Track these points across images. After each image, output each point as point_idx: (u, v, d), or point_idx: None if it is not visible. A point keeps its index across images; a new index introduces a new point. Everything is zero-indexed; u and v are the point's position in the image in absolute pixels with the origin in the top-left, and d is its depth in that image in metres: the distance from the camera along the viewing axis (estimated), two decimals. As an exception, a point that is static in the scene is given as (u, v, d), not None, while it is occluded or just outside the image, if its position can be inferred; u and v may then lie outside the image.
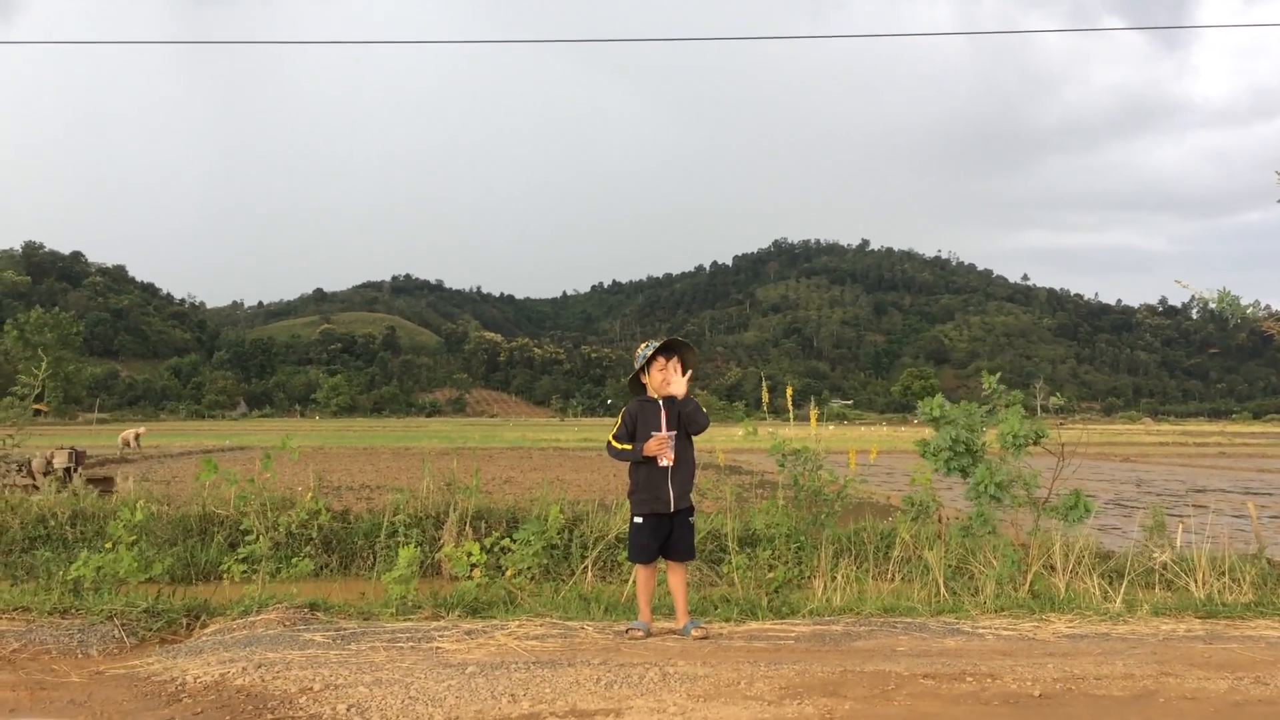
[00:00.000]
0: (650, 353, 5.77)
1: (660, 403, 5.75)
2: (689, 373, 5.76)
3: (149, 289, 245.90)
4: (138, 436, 33.34)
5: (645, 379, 5.84)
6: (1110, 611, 6.39)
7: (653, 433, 5.63)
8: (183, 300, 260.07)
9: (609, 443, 5.79)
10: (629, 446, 5.69)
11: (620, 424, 5.79)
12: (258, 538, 7.07)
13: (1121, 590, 6.87)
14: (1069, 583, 7.15)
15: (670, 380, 5.75)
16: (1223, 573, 7.43)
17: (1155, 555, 8.45)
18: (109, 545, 7.11)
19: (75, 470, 17.01)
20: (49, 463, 16.96)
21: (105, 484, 17.18)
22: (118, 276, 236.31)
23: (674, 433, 5.65)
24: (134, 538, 7.18)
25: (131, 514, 7.18)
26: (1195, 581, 7.36)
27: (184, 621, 6.22)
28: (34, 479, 16.36)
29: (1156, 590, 7.81)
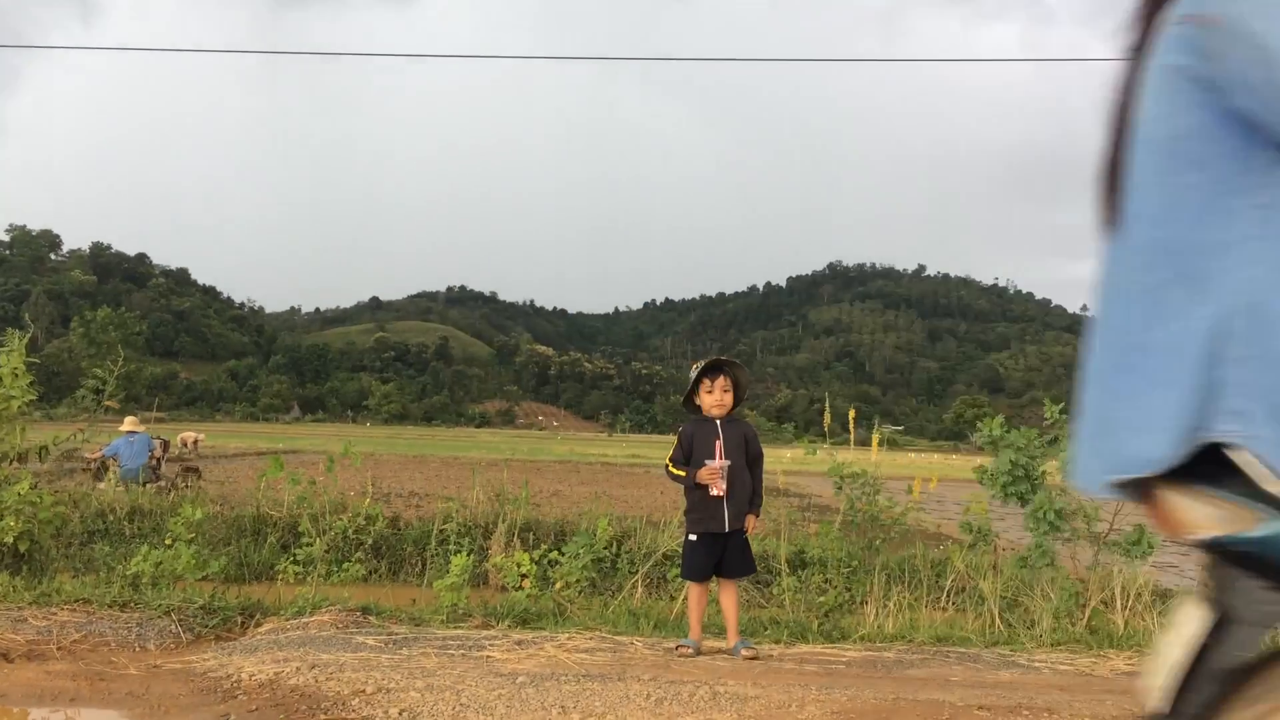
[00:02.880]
0: (696, 374, 5.77)
1: (717, 423, 5.73)
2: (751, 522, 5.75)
3: (210, 292, 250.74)
4: (196, 441, 33.89)
5: (698, 400, 5.83)
6: (1170, 650, 6.24)
7: (706, 461, 5.61)
8: (242, 304, 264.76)
9: (667, 466, 5.80)
10: (683, 473, 5.67)
11: (677, 445, 5.79)
12: (314, 540, 7.16)
13: (1182, 629, 6.70)
14: (1128, 620, 7.00)
15: (725, 403, 5.74)
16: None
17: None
18: (169, 542, 7.23)
19: (163, 461, 18.00)
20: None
21: (194, 475, 18.14)
22: (181, 279, 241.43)
23: (728, 462, 5.61)
24: (192, 536, 7.31)
25: (192, 512, 7.30)
26: (1259, 623, 7.16)
27: (239, 620, 6.30)
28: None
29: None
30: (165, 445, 18.73)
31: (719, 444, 5.66)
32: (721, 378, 5.79)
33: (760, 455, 5.85)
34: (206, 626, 6.06)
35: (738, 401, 5.84)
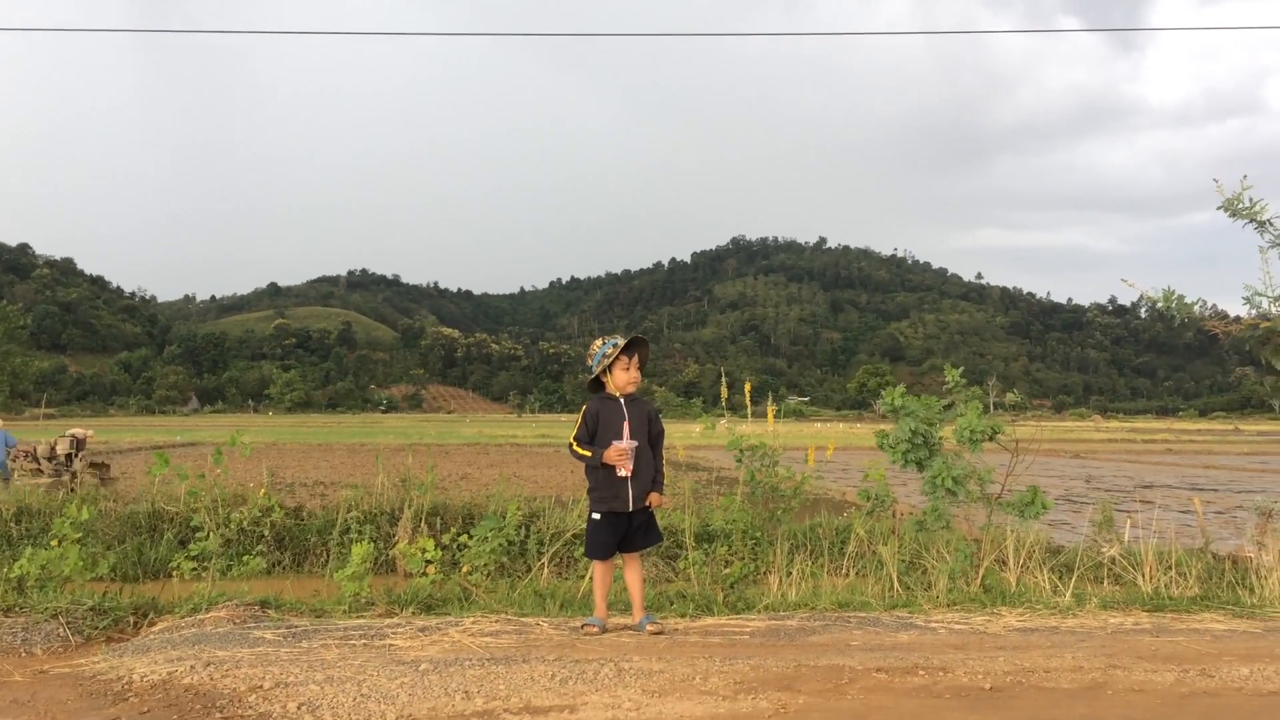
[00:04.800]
0: (611, 351, 5.70)
1: (622, 402, 5.71)
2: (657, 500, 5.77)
3: (98, 282, 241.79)
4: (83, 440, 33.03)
5: (606, 377, 5.79)
6: (1060, 605, 6.48)
7: (613, 441, 5.60)
8: (133, 294, 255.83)
9: (570, 444, 5.75)
10: (589, 453, 5.63)
11: (581, 424, 5.73)
12: (208, 535, 6.97)
13: (1071, 584, 6.96)
14: (1020, 577, 7.24)
15: (637, 381, 5.73)
16: (1169, 567, 7.55)
17: (1104, 550, 8.58)
18: (55, 542, 6.96)
19: (77, 456, 17.98)
20: (53, 449, 17.88)
21: (103, 470, 18.41)
22: (66, 269, 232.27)
23: (635, 443, 5.61)
24: (80, 535, 7.05)
25: (77, 511, 7.04)
26: (1142, 576, 7.48)
27: (131, 620, 6.10)
28: (39, 464, 17.48)
29: (1105, 584, 7.93)
30: (79, 442, 18.35)
31: (626, 425, 5.64)
32: (635, 355, 5.77)
33: (662, 433, 5.87)
34: (97, 628, 5.85)
35: (641, 377, 5.85)
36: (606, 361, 5.69)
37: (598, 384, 5.82)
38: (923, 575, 7.38)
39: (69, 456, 17.80)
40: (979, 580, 7.01)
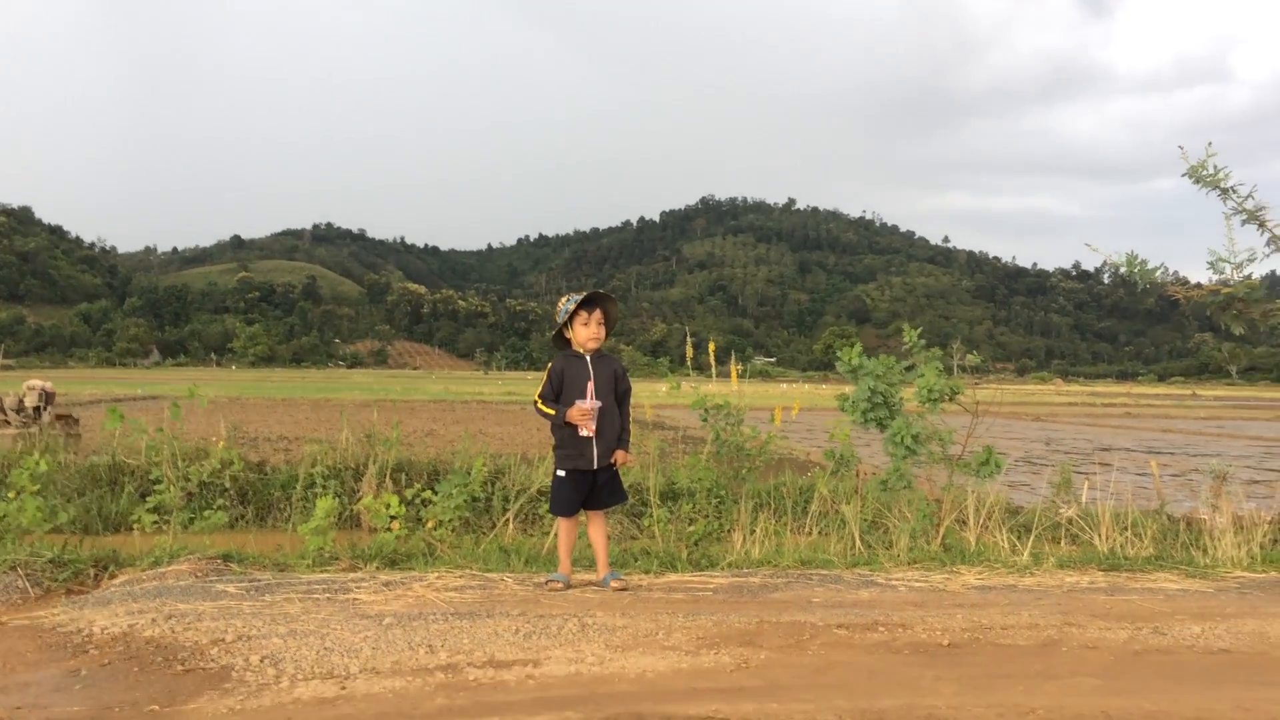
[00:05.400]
0: (572, 307, 5.68)
1: (588, 360, 5.70)
2: (622, 457, 5.73)
3: (57, 231, 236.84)
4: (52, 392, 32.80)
5: (569, 334, 5.77)
6: (1018, 564, 6.58)
7: (577, 400, 5.58)
8: (93, 244, 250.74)
9: (535, 401, 5.74)
10: (553, 411, 5.62)
11: (546, 381, 5.72)
12: (168, 487, 6.91)
13: (1029, 544, 7.07)
14: (979, 536, 7.35)
15: (600, 337, 5.70)
16: (1125, 528, 7.70)
17: (1062, 511, 8.72)
18: (12, 495, 6.88)
19: (45, 408, 17.79)
20: (20, 401, 17.61)
21: (69, 422, 18.22)
22: (23, 218, 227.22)
23: (599, 404, 5.60)
24: (38, 487, 6.97)
25: (35, 463, 6.95)
26: (1099, 536, 7.61)
27: (91, 572, 6.05)
28: (5, 415, 17.27)
29: (1062, 544, 8.07)
30: (48, 395, 18.17)
31: (590, 385, 5.62)
32: (598, 311, 5.73)
33: (628, 391, 5.86)
34: (56, 580, 5.80)
35: (607, 336, 5.82)
36: (566, 317, 5.68)
37: (563, 341, 5.81)
38: (884, 534, 7.47)
39: (37, 409, 17.60)
40: (939, 539, 7.11)
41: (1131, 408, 57.46)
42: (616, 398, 5.75)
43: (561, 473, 5.68)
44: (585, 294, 5.71)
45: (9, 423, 17.05)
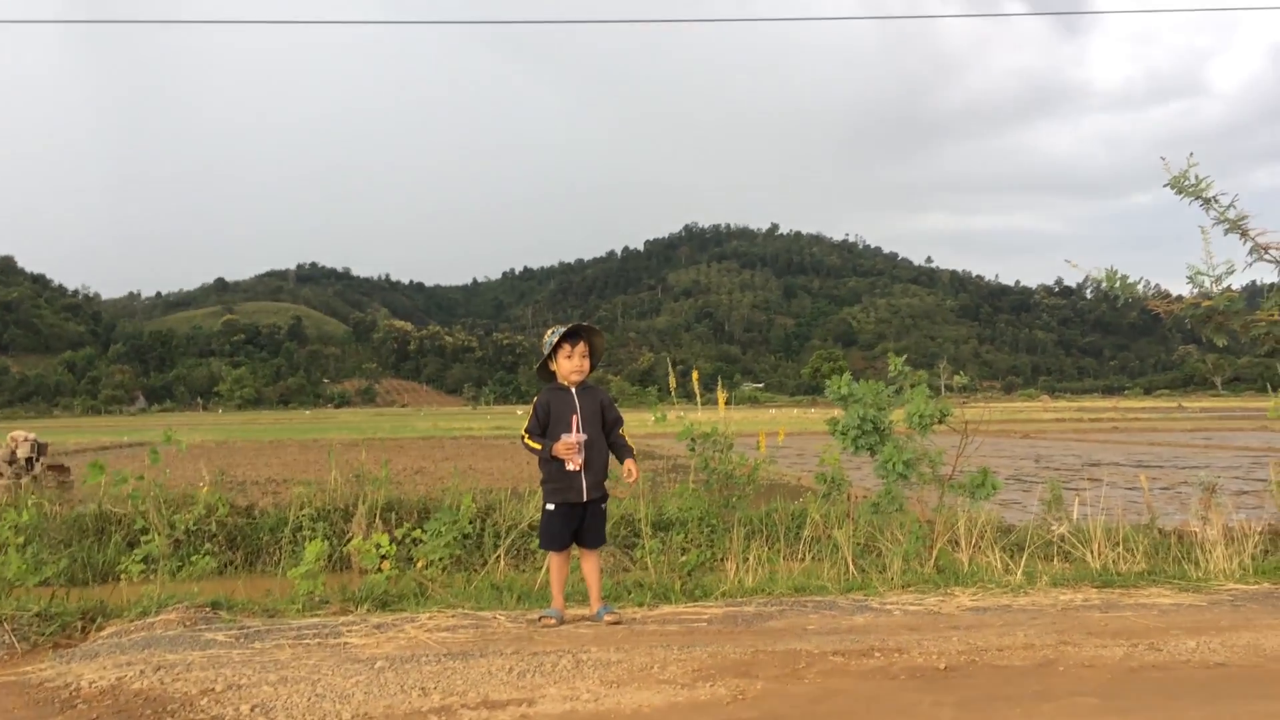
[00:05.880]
0: (555, 340, 5.68)
1: (573, 393, 5.68)
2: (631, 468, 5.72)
3: (40, 280, 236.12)
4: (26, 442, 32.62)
5: (554, 366, 5.76)
6: (1011, 584, 6.57)
7: (563, 434, 5.57)
8: (76, 292, 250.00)
9: (522, 436, 5.73)
10: (540, 446, 5.60)
11: (532, 416, 5.71)
12: (153, 536, 6.85)
13: (1022, 563, 7.06)
14: (972, 557, 7.33)
15: (583, 369, 5.69)
16: (1117, 543, 7.70)
17: (1053, 528, 8.72)
18: (-4, 548, 6.80)
19: (37, 460, 17.60)
20: (13, 452, 17.43)
21: (62, 472, 18.08)
22: (5, 267, 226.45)
23: (584, 436, 5.58)
24: (22, 539, 6.89)
25: (19, 514, 6.88)
26: (1091, 552, 7.61)
27: (79, 625, 5.98)
28: None
29: (1055, 562, 8.06)
30: (40, 446, 18.11)
31: (576, 418, 5.61)
32: (581, 343, 5.72)
33: (618, 420, 5.82)
34: (43, 634, 5.73)
35: (593, 367, 5.81)
36: (550, 350, 5.67)
37: (548, 374, 5.80)
38: (877, 558, 7.45)
39: (29, 460, 17.50)
40: (933, 561, 7.09)
41: (1119, 422, 57.66)
42: (606, 427, 5.73)
43: (551, 506, 5.65)
44: (568, 327, 5.70)
45: (1, 475, 17.00)
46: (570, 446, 5.52)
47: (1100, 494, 10.05)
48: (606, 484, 5.80)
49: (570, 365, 5.66)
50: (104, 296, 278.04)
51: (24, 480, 16.69)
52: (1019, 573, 6.82)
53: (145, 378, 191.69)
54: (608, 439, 5.76)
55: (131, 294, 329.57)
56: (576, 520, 5.64)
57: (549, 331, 5.79)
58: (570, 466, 5.55)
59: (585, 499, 5.59)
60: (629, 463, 5.71)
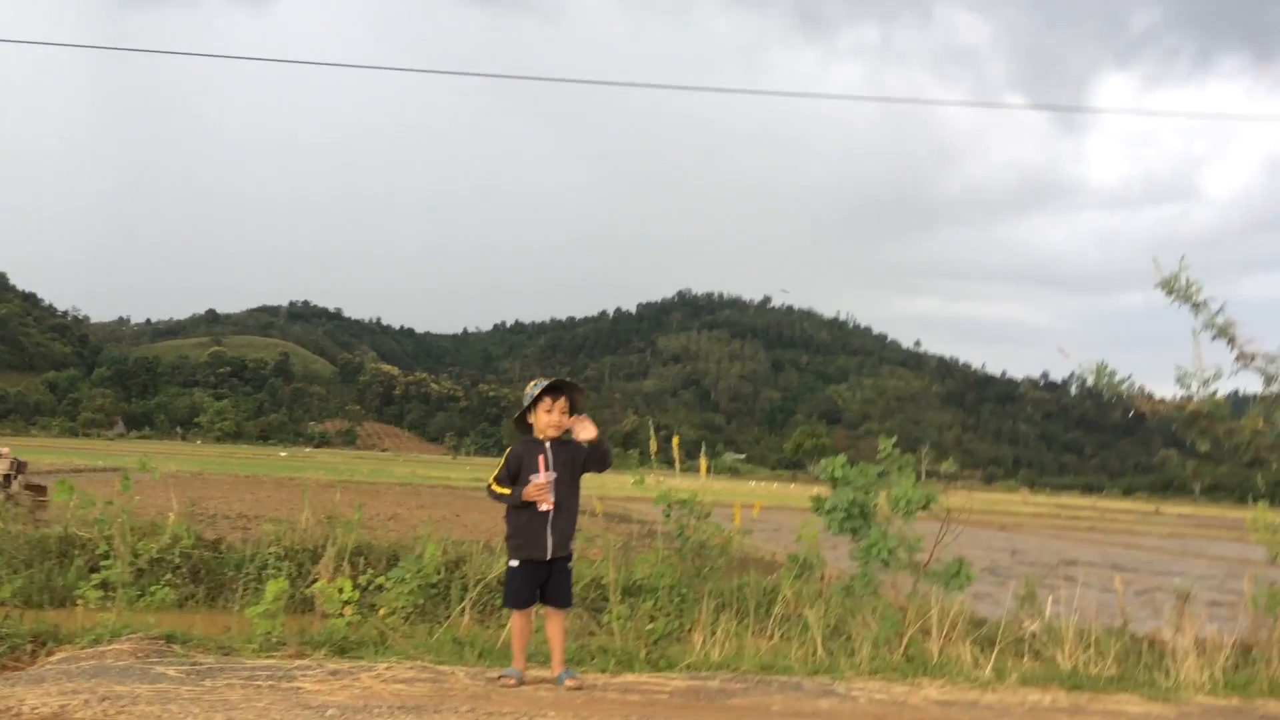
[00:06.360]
0: (537, 393, 5.64)
1: (546, 445, 5.63)
2: (587, 422, 5.60)
3: (30, 299, 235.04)
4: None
5: (532, 419, 5.72)
6: (980, 679, 6.48)
7: (531, 476, 5.51)
8: (65, 312, 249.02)
9: (489, 485, 5.66)
10: (508, 491, 5.55)
11: (503, 465, 5.65)
12: (114, 563, 6.73)
13: (992, 658, 6.97)
14: (943, 648, 7.24)
15: (561, 425, 5.64)
16: (1089, 645, 7.61)
17: (1026, 625, 8.63)
18: (-48, 564, 6.67)
19: (15, 477, 17.63)
20: None
21: (39, 491, 17.78)
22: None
23: (554, 475, 5.52)
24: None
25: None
26: (1062, 653, 7.52)
27: (29, 648, 5.86)
28: None
29: (1026, 659, 7.96)
30: (20, 465, 17.98)
31: (544, 458, 5.55)
32: (561, 399, 5.68)
33: (603, 456, 5.69)
34: (-11, 656, 5.60)
35: None
36: (528, 403, 5.64)
37: (526, 426, 5.76)
38: (847, 641, 7.35)
39: (7, 477, 17.41)
40: (903, 649, 7.00)
41: (1096, 521, 57.60)
42: (576, 470, 5.64)
43: (514, 563, 5.56)
44: (551, 381, 5.67)
45: None
46: (541, 487, 5.45)
47: (1074, 593, 9.97)
48: (577, 544, 5.73)
49: (548, 419, 5.62)
50: (93, 319, 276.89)
51: (0, 498, 16.53)
52: (989, 668, 6.73)
53: (127, 403, 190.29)
54: (592, 462, 5.66)
55: (121, 319, 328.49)
56: (540, 579, 5.54)
57: (531, 384, 5.76)
58: (542, 507, 5.46)
59: (550, 556, 5.50)
60: (584, 421, 5.57)
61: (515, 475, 5.58)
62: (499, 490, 5.59)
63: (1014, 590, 11.19)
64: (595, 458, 5.64)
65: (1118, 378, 7.12)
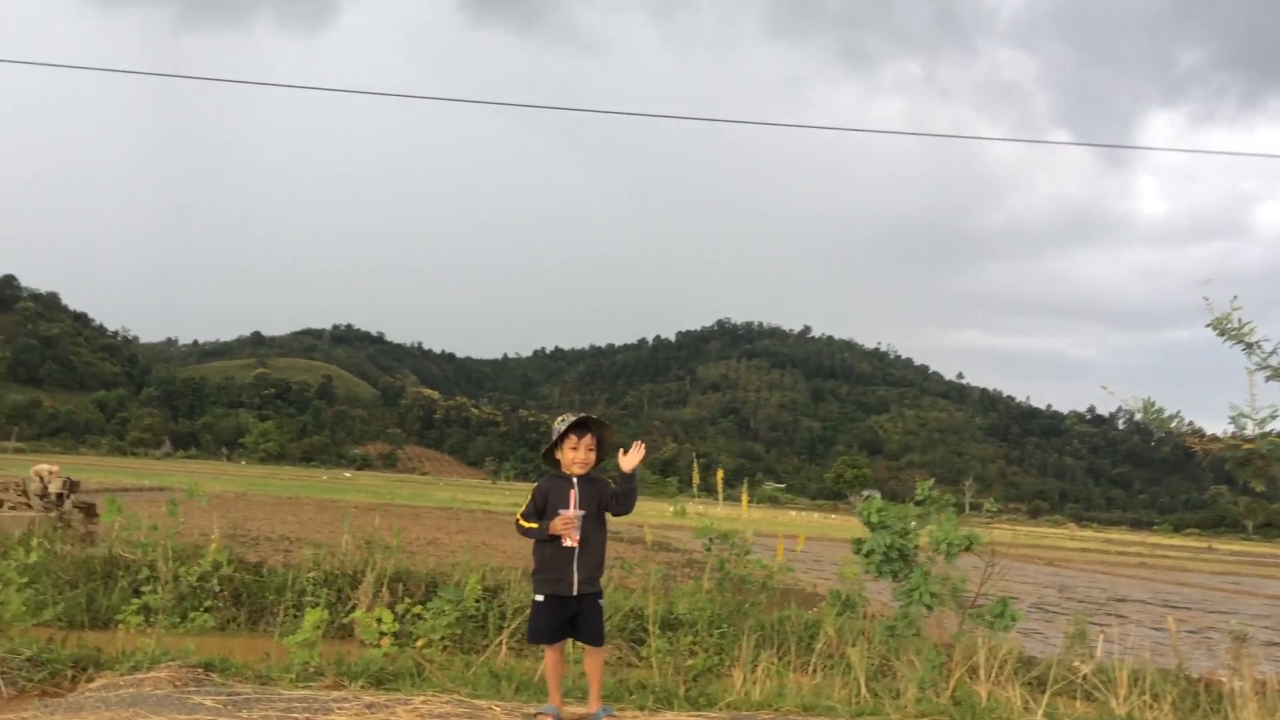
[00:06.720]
0: (563, 429, 5.57)
1: (574, 480, 5.53)
2: (640, 449, 5.51)
3: (81, 319, 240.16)
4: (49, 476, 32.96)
5: (559, 454, 5.65)
6: (1031, 723, 6.29)
7: (559, 510, 5.43)
8: (115, 333, 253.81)
9: (517, 520, 5.59)
10: (535, 525, 5.46)
11: (530, 501, 5.57)
12: (155, 589, 6.74)
13: (1043, 702, 6.78)
14: (991, 690, 7.05)
15: (589, 462, 5.54)
16: (1143, 690, 7.38)
17: (1077, 666, 8.40)
18: (-2, 586, 6.71)
19: (68, 496, 17.79)
20: (45, 486, 17.70)
21: (90, 510, 18.00)
22: (50, 304, 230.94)
23: (582, 512, 5.43)
24: (25, 579, 6.80)
25: (25, 554, 6.80)
26: (1116, 697, 7.30)
27: (70, 673, 5.88)
28: (28, 500, 17.45)
29: (1078, 702, 7.74)
30: (72, 484, 18.26)
31: (573, 494, 5.47)
32: (588, 436, 5.59)
33: (628, 494, 5.61)
34: (32, 680, 5.63)
35: (599, 460, 5.66)
36: (556, 437, 5.56)
37: (554, 460, 5.67)
38: (892, 681, 7.18)
39: (60, 496, 17.65)
40: (950, 691, 6.82)
41: (1147, 557, 56.47)
42: (601, 508, 5.53)
43: (539, 597, 5.46)
44: (577, 417, 5.59)
45: (30, 506, 17.09)
46: (568, 521, 5.36)
47: (1126, 632, 9.73)
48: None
49: (575, 456, 5.53)
50: (142, 340, 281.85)
51: (52, 515, 16.76)
52: (1039, 713, 6.54)
53: (174, 423, 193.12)
54: (614, 502, 5.58)
55: (169, 340, 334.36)
56: (567, 614, 5.42)
57: (559, 419, 5.67)
58: (566, 543, 5.37)
59: (576, 592, 5.39)
60: (634, 449, 5.49)
61: (543, 510, 5.50)
62: (526, 525, 5.51)
63: (1064, 629, 10.94)
64: (619, 498, 5.53)
65: (1166, 414, 6.95)
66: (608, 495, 5.54)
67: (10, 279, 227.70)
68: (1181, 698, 7.62)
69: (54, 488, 17.75)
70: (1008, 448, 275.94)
